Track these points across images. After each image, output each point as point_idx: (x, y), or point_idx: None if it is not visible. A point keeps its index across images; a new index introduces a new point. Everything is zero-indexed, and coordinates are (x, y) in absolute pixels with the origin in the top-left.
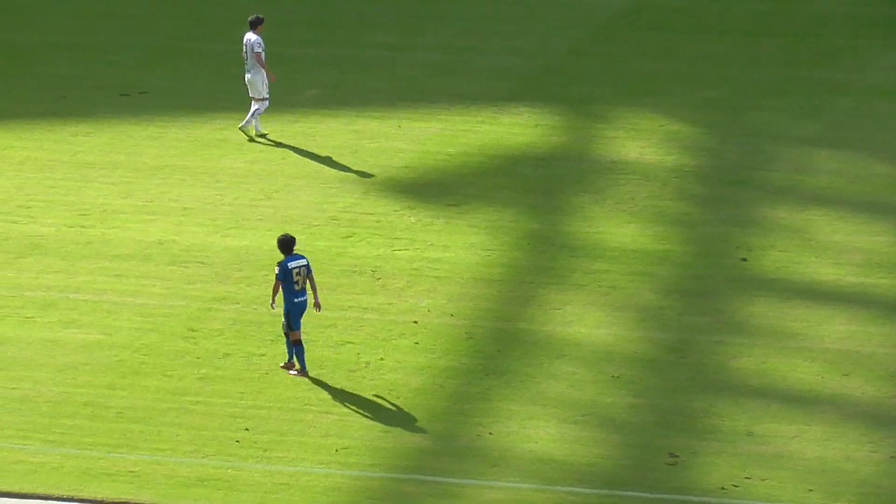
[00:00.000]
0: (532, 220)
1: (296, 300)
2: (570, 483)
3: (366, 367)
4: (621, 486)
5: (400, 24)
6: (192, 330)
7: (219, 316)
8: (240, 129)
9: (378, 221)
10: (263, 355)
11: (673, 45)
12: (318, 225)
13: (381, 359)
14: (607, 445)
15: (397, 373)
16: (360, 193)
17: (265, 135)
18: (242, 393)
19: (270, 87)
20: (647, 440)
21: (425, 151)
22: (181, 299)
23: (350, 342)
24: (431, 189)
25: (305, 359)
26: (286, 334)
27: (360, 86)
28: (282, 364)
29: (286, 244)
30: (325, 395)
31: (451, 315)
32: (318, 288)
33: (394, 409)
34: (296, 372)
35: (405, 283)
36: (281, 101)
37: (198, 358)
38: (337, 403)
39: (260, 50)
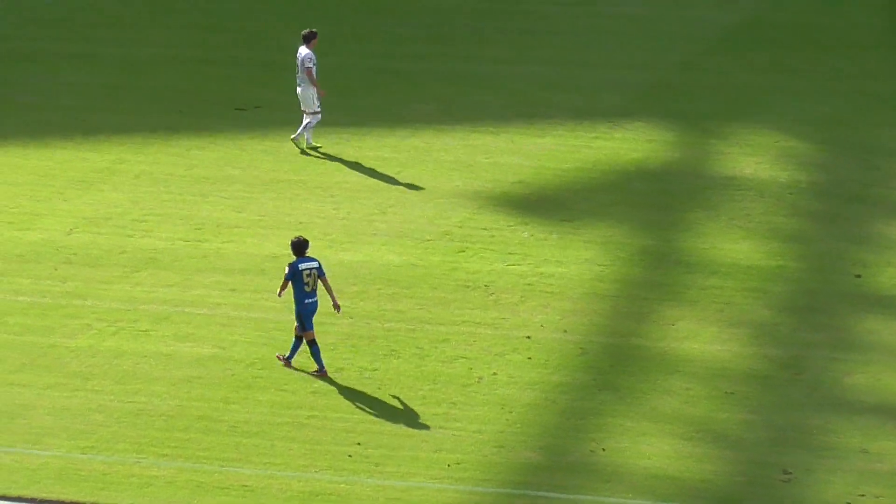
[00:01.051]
0: (646, 236)
1: (306, 301)
2: (683, 499)
3: (479, 381)
4: (735, 502)
5: (513, 39)
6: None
7: (332, 330)
8: (291, 139)
9: (492, 236)
10: (376, 370)
11: (787, 60)
12: (431, 240)
13: (495, 374)
14: (721, 462)
15: (510, 388)
16: (474, 208)
17: (317, 147)
18: (355, 407)
19: (322, 101)
20: (761, 457)
21: (539, 166)
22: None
23: (463, 357)
24: (545, 204)
25: (322, 358)
26: (297, 336)
27: (473, 101)
28: (279, 354)
29: (298, 246)
30: (437, 409)
31: (565, 331)
32: (332, 289)
33: (506, 424)
34: (284, 363)
35: (518, 298)
36: (395, 116)
37: (311, 372)
38: (449, 418)
39: (311, 65)
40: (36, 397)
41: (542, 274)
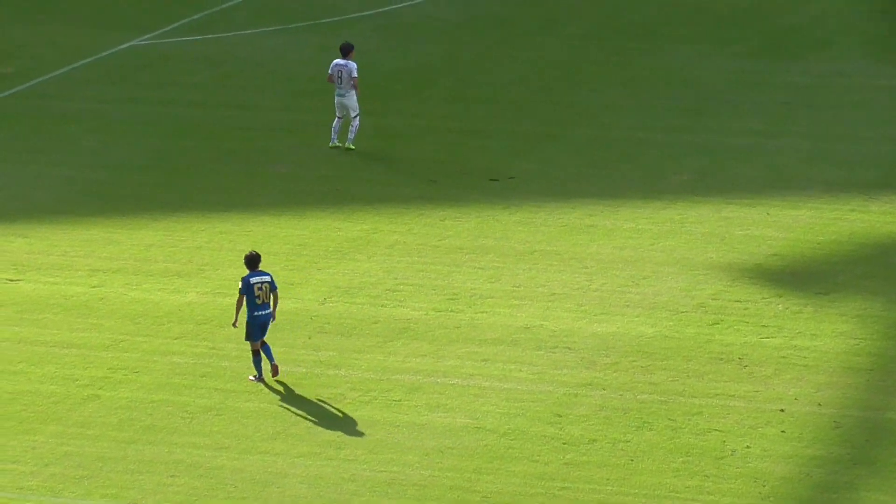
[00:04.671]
0: None
1: (255, 313)
2: None
3: (732, 454)
4: None
5: (768, 111)
6: (559, 415)
7: (585, 401)
8: (347, 147)
9: (746, 309)
10: (629, 441)
11: None
12: (685, 312)
13: (748, 447)
14: None
15: (764, 461)
16: (729, 280)
17: (339, 146)
18: (608, 479)
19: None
20: None
21: (794, 239)
22: (548, 384)
23: (716, 430)
24: (800, 277)
25: (262, 369)
26: (254, 351)
27: (728, 172)
28: (250, 376)
29: (251, 260)
30: (690, 482)
31: (819, 404)
32: (277, 305)
33: (760, 497)
34: (254, 378)
35: (772, 371)
36: (650, 186)
37: (564, 443)
38: (703, 491)
39: (357, 75)
40: (289, 466)
41: (796, 347)
